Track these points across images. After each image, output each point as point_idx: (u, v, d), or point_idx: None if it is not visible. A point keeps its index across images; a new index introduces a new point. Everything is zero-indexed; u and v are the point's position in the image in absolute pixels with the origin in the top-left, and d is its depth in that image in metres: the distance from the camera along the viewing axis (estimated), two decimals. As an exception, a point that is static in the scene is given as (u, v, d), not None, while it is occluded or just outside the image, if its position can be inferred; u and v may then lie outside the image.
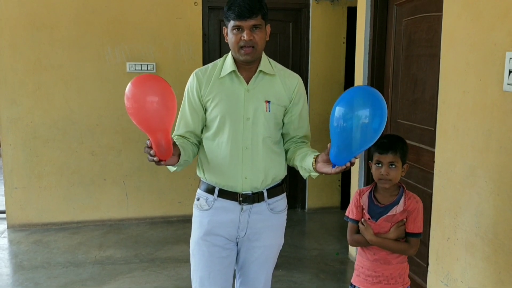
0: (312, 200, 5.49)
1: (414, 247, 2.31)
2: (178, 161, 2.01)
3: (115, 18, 4.83)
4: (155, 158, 1.83)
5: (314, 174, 2.08)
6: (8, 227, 4.88)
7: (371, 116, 1.74)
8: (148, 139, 1.82)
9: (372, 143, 1.82)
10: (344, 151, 1.80)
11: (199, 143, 2.25)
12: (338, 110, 1.77)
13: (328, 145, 1.87)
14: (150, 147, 1.82)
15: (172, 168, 2.13)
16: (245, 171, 2.17)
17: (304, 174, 2.15)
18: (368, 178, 3.98)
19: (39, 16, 4.71)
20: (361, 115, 1.73)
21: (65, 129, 4.88)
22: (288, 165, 2.33)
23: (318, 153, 2.04)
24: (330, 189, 5.52)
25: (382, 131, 1.79)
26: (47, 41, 4.75)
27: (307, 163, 2.07)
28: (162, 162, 1.88)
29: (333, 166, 1.89)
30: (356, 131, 1.74)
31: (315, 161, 2.01)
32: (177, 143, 2.05)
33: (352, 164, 1.85)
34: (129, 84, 1.78)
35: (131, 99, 1.75)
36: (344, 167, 1.85)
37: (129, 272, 3.94)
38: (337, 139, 1.80)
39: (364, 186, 4.02)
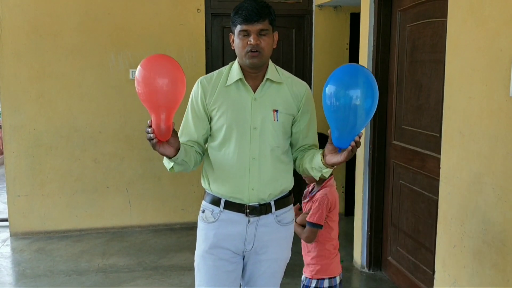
0: (316, 207, 5.46)
1: (305, 234, 2.62)
2: (175, 155, 1.94)
3: (118, 26, 4.83)
4: (151, 135, 1.81)
5: (326, 171, 2.03)
6: (11, 235, 4.87)
7: (362, 96, 1.76)
8: (150, 119, 1.83)
9: (367, 122, 1.84)
10: (344, 131, 1.82)
11: (203, 153, 2.18)
12: (329, 89, 1.80)
13: (329, 131, 1.87)
14: (150, 126, 1.82)
15: (168, 164, 2.04)
16: (252, 182, 2.11)
17: (316, 174, 2.08)
18: (373, 185, 3.96)
19: (42, 24, 4.71)
20: (352, 95, 1.76)
21: (68, 136, 4.87)
22: (298, 172, 2.28)
23: (323, 149, 2.02)
24: (334, 195, 5.49)
25: (374, 110, 1.81)
26: (50, 48, 4.75)
27: (316, 161, 2.04)
28: (158, 147, 1.86)
29: (339, 150, 1.89)
30: (349, 110, 1.76)
31: (323, 156, 1.98)
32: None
33: (357, 144, 1.84)
34: (140, 63, 1.81)
35: (141, 81, 1.78)
36: (350, 148, 1.84)
37: (133, 280, 3.92)
38: (333, 119, 1.82)
39: (368, 192, 3.99)
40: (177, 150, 1.93)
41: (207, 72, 4.68)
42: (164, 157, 2.02)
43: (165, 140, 1.87)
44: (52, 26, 4.73)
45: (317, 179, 2.14)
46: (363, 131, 1.87)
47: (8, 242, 4.76)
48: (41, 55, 4.74)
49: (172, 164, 2.00)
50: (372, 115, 1.82)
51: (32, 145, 4.83)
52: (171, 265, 4.21)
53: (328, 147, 1.93)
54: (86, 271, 4.09)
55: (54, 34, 4.74)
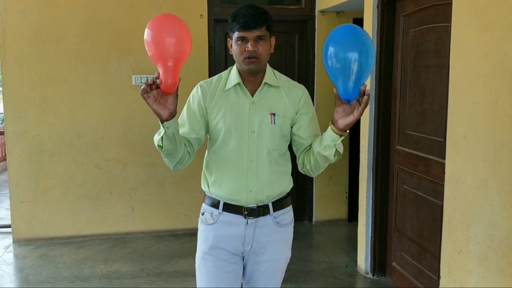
0: (319, 212, 5.45)
1: None
2: (168, 120, 1.90)
3: (121, 32, 4.84)
4: (157, 81, 1.81)
5: (339, 143, 2.00)
6: (13, 242, 4.86)
7: (358, 51, 1.85)
8: (157, 72, 1.84)
9: (369, 73, 1.90)
10: (348, 82, 1.86)
11: (191, 153, 2.17)
12: (329, 51, 1.88)
13: (334, 89, 1.90)
14: (157, 77, 1.83)
15: (158, 136, 1.99)
16: (250, 184, 2.14)
17: (329, 153, 2.04)
18: (376, 190, 3.95)
19: (45, 30, 4.72)
20: (350, 56, 1.84)
21: (71, 142, 4.87)
22: (310, 173, 2.23)
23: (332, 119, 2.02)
24: (337, 201, 5.47)
25: (373, 64, 1.88)
26: (53, 54, 4.76)
27: (326, 137, 2.01)
28: (152, 103, 1.85)
29: (347, 103, 1.92)
30: (349, 61, 1.84)
31: (333, 124, 1.97)
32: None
33: (365, 93, 1.86)
34: (147, 25, 1.89)
35: (150, 40, 1.85)
36: (358, 101, 1.88)
37: (136, 286, 3.90)
38: (336, 75, 1.88)
39: (372, 198, 3.97)
40: (172, 115, 1.91)
41: (209, 78, 4.68)
42: (156, 134, 2.01)
43: (171, 92, 1.86)
44: (55, 32, 4.74)
45: (332, 158, 2.07)
46: (367, 95, 1.89)
47: (11, 248, 4.75)
48: (44, 61, 4.75)
49: (162, 134, 1.96)
50: (372, 67, 1.88)
51: (35, 151, 4.83)
52: (174, 271, 4.19)
53: (337, 110, 1.95)
54: (89, 277, 4.07)
55: (57, 40, 4.75)
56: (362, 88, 1.87)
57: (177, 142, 2.02)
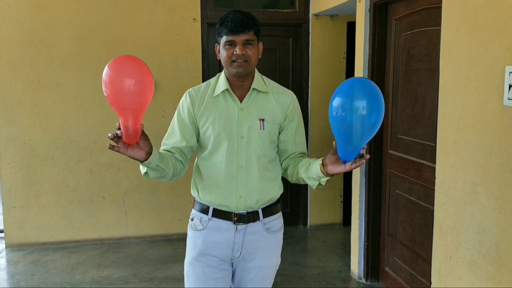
0: (314, 216, 5.42)
1: None
2: (146, 159, 1.87)
3: (113, 36, 4.82)
4: (118, 132, 1.73)
5: (324, 180, 2.00)
6: (6, 247, 4.83)
7: (368, 110, 1.71)
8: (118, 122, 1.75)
9: (372, 136, 1.78)
10: (350, 144, 1.76)
11: (184, 163, 2.18)
12: (335, 102, 1.74)
13: (334, 142, 1.83)
14: (119, 128, 1.75)
15: (142, 169, 1.99)
16: (240, 190, 2.14)
17: (313, 184, 2.06)
18: (369, 195, 3.92)
19: (37, 35, 4.70)
20: (358, 109, 1.70)
21: (64, 147, 4.85)
22: (291, 182, 2.28)
23: (322, 158, 1.97)
24: (332, 205, 5.45)
25: (379, 125, 1.75)
26: (46, 59, 4.74)
27: (313, 170, 2.01)
28: (126, 151, 1.79)
29: (344, 162, 1.84)
30: (355, 124, 1.71)
31: (323, 165, 1.94)
32: (159, 151, 2.01)
33: (363, 157, 1.78)
34: (108, 64, 1.74)
35: (108, 82, 1.71)
36: (356, 160, 1.80)
37: (127, 292, 3.88)
38: (339, 133, 1.76)
39: (365, 202, 3.95)
40: (148, 154, 1.88)
41: (203, 82, 4.67)
42: (140, 164, 1.97)
43: (133, 143, 1.80)
44: (48, 36, 4.72)
45: (314, 188, 2.11)
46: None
47: (4, 253, 4.72)
48: (36, 66, 4.73)
49: (145, 169, 1.95)
50: (377, 129, 1.76)
51: (27, 155, 4.80)
52: (166, 277, 4.16)
53: (330, 157, 1.90)
54: (80, 283, 4.05)
55: (50, 44, 4.74)
56: (361, 151, 1.78)
57: (164, 167, 2.01)
